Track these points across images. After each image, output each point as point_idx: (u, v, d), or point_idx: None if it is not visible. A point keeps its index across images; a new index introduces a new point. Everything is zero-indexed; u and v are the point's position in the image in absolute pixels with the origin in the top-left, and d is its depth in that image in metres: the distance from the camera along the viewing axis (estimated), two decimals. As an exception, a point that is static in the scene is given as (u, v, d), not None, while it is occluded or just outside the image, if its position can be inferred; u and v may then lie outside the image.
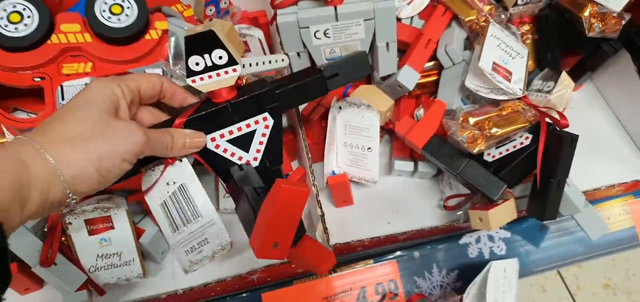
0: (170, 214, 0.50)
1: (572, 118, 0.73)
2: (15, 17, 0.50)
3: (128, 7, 0.55)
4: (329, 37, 0.61)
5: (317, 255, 0.48)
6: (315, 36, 0.61)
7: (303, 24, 0.59)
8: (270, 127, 0.51)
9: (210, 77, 0.47)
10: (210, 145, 0.50)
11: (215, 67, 0.47)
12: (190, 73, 0.46)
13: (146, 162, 0.48)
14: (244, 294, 0.62)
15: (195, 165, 0.50)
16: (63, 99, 0.52)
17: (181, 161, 0.49)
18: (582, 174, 0.64)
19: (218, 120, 0.49)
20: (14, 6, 0.50)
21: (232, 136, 0.50)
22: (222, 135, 0.50)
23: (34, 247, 0.55)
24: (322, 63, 0.64)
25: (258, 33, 0.67)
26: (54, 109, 0.51)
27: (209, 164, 0.50)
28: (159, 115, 0.49)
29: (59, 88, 0.52)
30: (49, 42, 0.52)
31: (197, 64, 0.46)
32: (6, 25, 0.50)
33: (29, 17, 0.51)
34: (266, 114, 0.51)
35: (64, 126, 0.39)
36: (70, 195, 0.38)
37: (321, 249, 0.49)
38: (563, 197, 0.57)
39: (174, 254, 0.53)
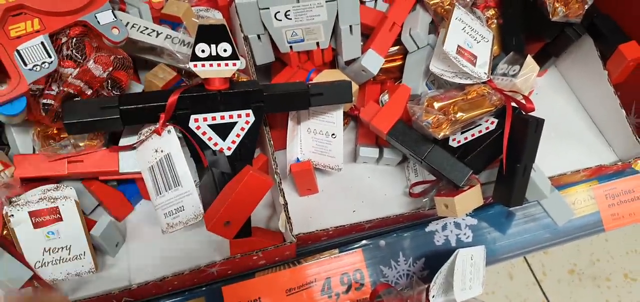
0: (155, 178, 0.54)
1: (537, 103, 0.73)
2: None
3: None
4: (290, 18, 0.58)
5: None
6: (276, 18, 0.58)
7: (263, 5, 0.57)
8: (250, 123, 0.55)
9: (211, 65, 0.51)
10: (192, 125, 0.53)
11: (218, 57, 0.51)
12: (195, 58, 0.51)
13: (131, 122, 0.53)
14: (203, 288, 0.60)
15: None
16: (25, 64, 0.48)
17: (170, 132, 0.53)
18: (547, 160, 0.63)
19: (206, 105, 0.53)
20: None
21: (214, 122, 0.54)
22: (205, 119, 0.54)
23: (-28, 242, 0.51)
24: (284, 47, 0.62)
25: (217, 15, 0.64)
26: (20, 76, 0.47)
27: (186, 140, 0.54)
28: None
29: (15, 54, 0.48)
30: None
31: (202, 51, 0.51)
32: None
33: None
34: (250, 111, 0.55)
35: None
36: None
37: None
38: (529, 183, 0.57)
39: (156, 214, 0.55)
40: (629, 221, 0.68)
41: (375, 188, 0.67)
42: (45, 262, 0.54)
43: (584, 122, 0.73)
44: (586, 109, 0.74)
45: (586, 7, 0.62)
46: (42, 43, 0.48)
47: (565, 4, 0.62)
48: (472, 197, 0.57)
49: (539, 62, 0.71)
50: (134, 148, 0.55)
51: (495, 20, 0.67)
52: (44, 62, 0.48)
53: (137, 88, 0.59)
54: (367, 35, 0.65)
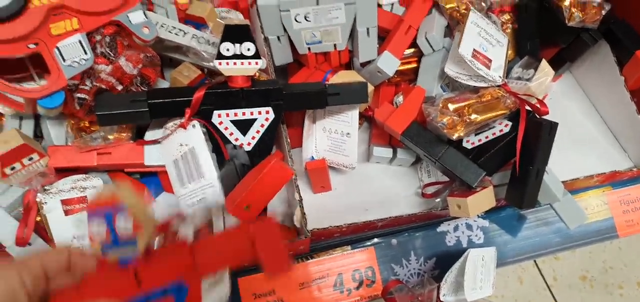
0: (179, 170, 0.57)
1: (551, 108, 0.73)
2: None
3: None
4: (309, 21, 0.60)
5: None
6: (295, 20, 0.60)
7: (284, 7, 0.59)
8: (269, 120, 0.57)
9: (235, 63, 0.54)
10: (215, 120, 0.56)
11: (242, 56, 0.54)
12: (220, 56, 0.53)
13: (159, 115, 0.55)
14: (220, 279, 0.62)
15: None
16: (64, 60, 0.51)
17: (194, 127, 0.55)
18: (560, 164, 0.64)
19: (229, 101, 0.56)
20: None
21: (236, 118, 0.57)
22: (227, 115, 0.57)
23: (9, 226, 0.54)
24: (302, 48, 0.64)
25: (239, 16, 0.67)
26: (59, 72, 0.50)
27: (209, 135, 0.56)
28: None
29: (55, 50, 0.51)
30: (30, 6, 0.51)
31: (227, 50, 0.53)
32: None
33: None
34: (269, 108, 0.57)
35: None
36: None
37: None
38: (542, 186, 0.58)
39: (179, 204, 0.58)
40: (644, 227, 0.69)
41: (388, 188, 0.69)
42: (72, 249, 0.57)
43: (598, 128, 0.74)
44: (601, 114, 0.74)
45: (603, 12, 0.63)
46: (80, 41, 0.51)
47: (582, 9, 0.63)
48: (484, 199, 0.58)
49: (553, 67, 0.71)
50: (159, 142, 0.57)
51: (511, 25, 0.68)
52: (81, 59, 0.51)
53: (163, 85, 0.61)
54: (384, 37, 0.66)
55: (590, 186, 0.68)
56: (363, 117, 0.71)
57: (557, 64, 0.73)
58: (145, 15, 0.54)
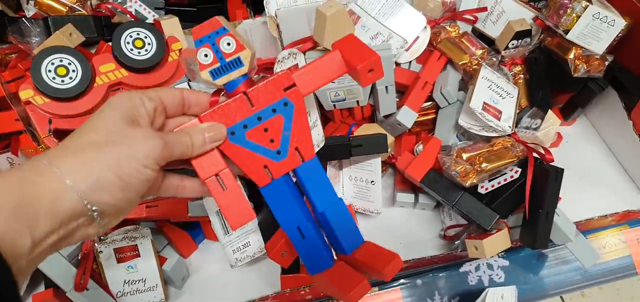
0: (223, 220, 0.63)
1: (567, 151, 0.78)
2: (61, 71, 0.58)
3: (147, 40, 0.63)
4: (333, 82, 0.67)
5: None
6: (321, 81, 0.67)
7: (310, 71, 0.66)
8: None
9: None
10: None
11: None
12: None
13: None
14: (257, 319, 0.67)
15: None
16: None
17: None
18: (577, 205, 0.68)
19: None
20: (61, 61, 0.58)
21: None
22: None
23: (68, 273, 0.61)
24: (328, 105, 0.70)
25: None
26: None
27: (248, 185, 0.62)
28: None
29: None
30: (94, 85, 0.60)
31: None
32: (54, 78, 0.57)
33: (73, 70, 0.58)
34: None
35: (80, 138, 0.38)
36: (89, 205, 0.36)
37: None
38: (554, 227, 0.61)
39: (224, 251, 0.64)
40: (663, 265, 0.71)
41: (413, 230, 0.73)
42: (124, 293, 0.63)
43: (614, 169, 0.77)
44: (616, 156, 0.77)
45: (606, 63, 0.67)
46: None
47: (586, 61, 0.67)
48: (500, 240, 0.62)
49: (567, 113, 0.76)
50: (201, 198, 0.64)
51: (523, 76, 0.73)
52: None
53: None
54: (403, 92, 0.72)
55: (605, 225, 0.71)
56: (387, 164, 0.76)
57: (570, 109, 0.77)
58: (189, 85, 0.62)
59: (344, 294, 0.44)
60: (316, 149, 0.65)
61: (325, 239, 0.50)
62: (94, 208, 0.36)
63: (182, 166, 0.45)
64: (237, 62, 0.44)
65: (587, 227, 0.69)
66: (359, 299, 0.44)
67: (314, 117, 0.63)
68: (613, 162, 0.77)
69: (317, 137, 0.63)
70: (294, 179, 0.50)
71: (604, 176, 0.76)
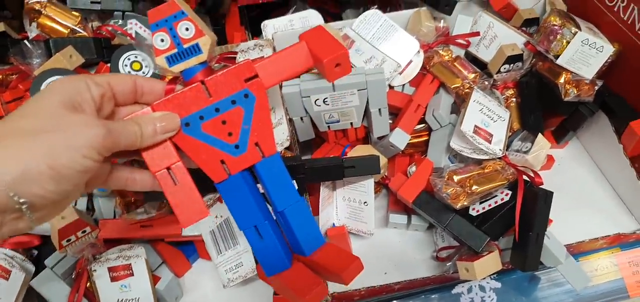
0: (216, 239, 0.64)
1: (560, 174, 0.79)
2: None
3: (145, 63, 0.64)
4: (327, 104, 0.68)
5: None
6: (315, 104, 0.68)
7: (305, 94, 0.67)
8: None
9: None
10: None
11: None
12: None
13: (200, 190, 0.59)
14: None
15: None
16: None
17: None
18: (569, 227, 0.68)
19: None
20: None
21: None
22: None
23: (62, 292, 0.62)
24: (323, 127, 0.71)
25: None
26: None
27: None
28: None
29: None
30: None
31: None
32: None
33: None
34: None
35: (11, 123, 0.35)
36: (16, 198, 0.32)
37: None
38: (545, 250, 0.62)
39: (217, 271, 0.65)
40: (655, 288, 0.71)
41: (406, 252, 0.74)
42: (118, 311, 0.64)
43: (606, 192, 0.77)
44: (608, 179, 0.78)
45: (596, 88, 0.68)
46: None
47: (576, 86, 0.68)
48: (490, 262, 0.62)
49: (559, 135, 0.77)
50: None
51: (514, 99, 0.74)
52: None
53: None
54: (396, 114, 0.73)
55: (596, 248, 0.71)
56: (381, 185, 0.77)
57: (562, 132, 0.78)
58: None
59: (300, 298, 0.43)
60: (280, 148, 0.65)
61: (284, 239, 0.48)
62: (22, 200, 0.33)
63: (131, 158, 0.43)
64: (196, 49, 0.41)
65: (578, 250, 0.70)
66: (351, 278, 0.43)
67: (279, 115, 0.63)
68: (605, 184, 0.78)
69: (282, 136, 0.63)
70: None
71: (596, 199, 0.77)
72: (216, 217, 0.64)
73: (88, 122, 0.36)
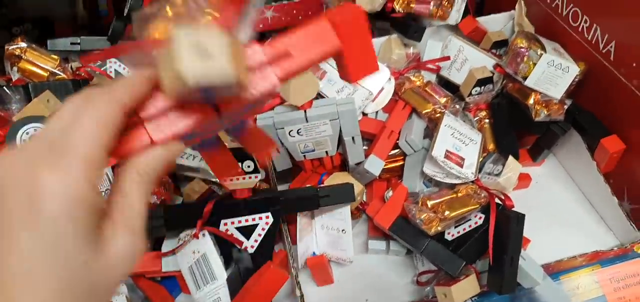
0: (194, 275, 0.64)
1: (538, 192, 0.79)
2: None
3: None
4: (301, 135, 0.69)
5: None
6: (289, 135, 0.69)
7: (279, 126, 0.68)
8: (269, 224, 0.65)
9: (237, 179, 0.62)
10: (222, 228, 0.64)
11: (242, 172, 0.62)
12: None
13: (174, 228, 0.63)
14: None
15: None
16: None
17: (204, 235, 0.64)
18: (549, 245, 0.69)
19: (233, 211, 0.64)
20: (35, 130, 0.61)
21: (240, 225, 0.64)
22: (232, 222, 0.64)
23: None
24: (298, 156, 0.72)
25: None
26: None
27: (217, 241, 0.64)
28: None
29: None
30: None
31: None
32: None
33: None
34: (269, 214, 0.65)
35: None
36: None
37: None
38: (521, 271, 0.62)
39: None
40: (637, 303, 0.71)
41: (386, 277, 0.74)
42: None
43: (584, 209, 0.77)
44: (585, 195, 0.78)
45: (566, 107, 0.69)
46: (106, 173, 0.61)
47: (546, 106, 0.69)
48: (468, 286, 0.63)
49: (535, 154, 0.78)
50: (175, 254, 0.66)
51: (488, 120, 0.75)
52: (107, 189, 0.61)
53: (178, 199, 0.71)
54: (371, 140, 0.74)
55: (576, 266, 0.71)
56: (361, 210, 0.77)
57: (538, 151, 0.79)
58: None
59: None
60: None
61: None
62: None
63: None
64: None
65: (558, 269, 0.70)
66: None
67: None
68: (583, 201, 0.78)
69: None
70: None
71: (575, 216, 0.77)
72: (194, 252, 0.65)
73: (121, 253, 0.25)
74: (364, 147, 0.72)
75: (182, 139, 0.30)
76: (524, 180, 0.78)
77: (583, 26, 0.70)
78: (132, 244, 0.26)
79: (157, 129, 0.29)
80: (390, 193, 0.73)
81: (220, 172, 0.44)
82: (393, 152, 0.74)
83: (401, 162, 0.75)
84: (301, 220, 0.70)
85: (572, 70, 0.67)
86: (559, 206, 0.78)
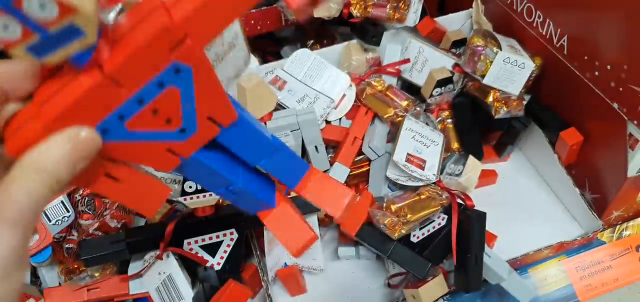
0: (161, 295, 0.64)
1: (505, 187, 0.80)
2: None
3: None
4: (265, 146, 0.69)
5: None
6: (252, 147, 0.69)
7: (240, 139, 0.68)
8: (234, 240, 0.64)
9: (198, 197, 0.61)
10: (186, 248, 0.64)
11: (203, 190, 0.61)
12: (184, 193, 0.61)
13: (137, 251, 0.62)
14: None
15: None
16: (49, 220, 0.62)
17: (168, 256, 0.63)
18: (516, 240, 0.69)
19: (196, 229, 0.64)
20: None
21: (204, 243, 0.64)
22: (196, 241, 0.64)
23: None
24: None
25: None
26: (46, 231, 0.62)
27: (182, 260, 0.64)
28: None
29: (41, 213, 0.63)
30: None
31: (190, 187, 0.60)
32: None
33: None
34: (233, 230, 0.64)
35: None
36: None
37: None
38: (486, 268, 0.63)
39: None
40: (603, 290, 0.72)
41: (359, 282, 0.74)
42: None
43: (550, 201, 0.78)
44: (551, 187, 0.79)
45: (524, 102, 0.70)
46: (62, 202, 0.61)
47: (505, 103, 0.70)
48: (436, 287, 0.63)
49: (499, 150, 0.79)
50: (141, 276, 0.65)
51: (450, 120, 0.76)
52: (64, 217, 0.61)
53: (141, 221, 0.70)
54: (336, 147, 0.74)
55: (542, 258, 0.72)
56: (330, 217, 0.78)
57: (502, 146, 0.79)
58: None
59: (288, 248, 0.41)
60: (243, 75, 0.62)
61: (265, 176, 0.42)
62: None
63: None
64: (73, 32, 0.24)
65: (525, 262, 0.71)
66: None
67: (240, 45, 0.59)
68: (549, 193, 0.79)
69: (239, 61, 0.61)
70: None
71: (541, 208, 0.78)
72: (159, 273, 0.64)
73: None
74: (330, 155, 0.72)
75: (92, 129, 0.27)
76: (490, 176, 0.79)
77: (537, 22, 0.71)
78: (12, 239, 0.23)
79: (44, 112, 0.26)
80: (358, 199, 0.73)
81: (145, 204, 0.34)
82: (358, 158, 0.74)
83: (367, 168, 0.75)
84: (268, 233, 0.70)
85: (528, 66, 0.67)
86: (526, 199, 0.79)
